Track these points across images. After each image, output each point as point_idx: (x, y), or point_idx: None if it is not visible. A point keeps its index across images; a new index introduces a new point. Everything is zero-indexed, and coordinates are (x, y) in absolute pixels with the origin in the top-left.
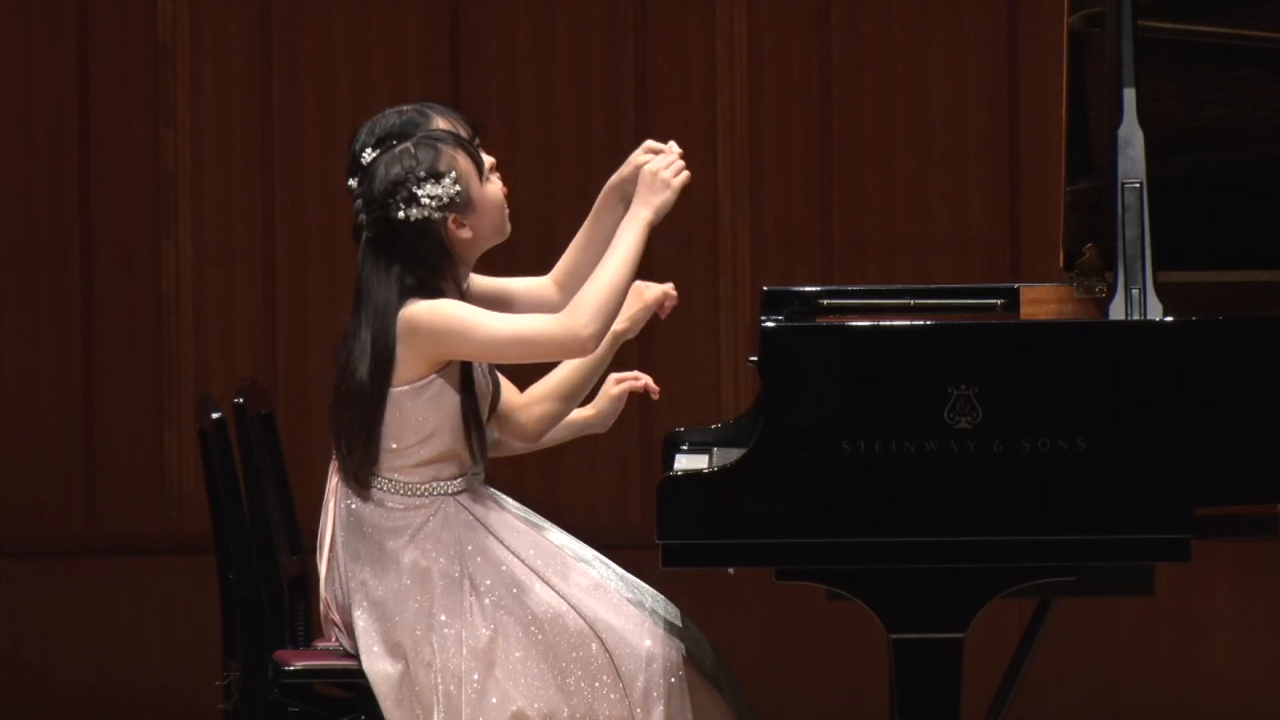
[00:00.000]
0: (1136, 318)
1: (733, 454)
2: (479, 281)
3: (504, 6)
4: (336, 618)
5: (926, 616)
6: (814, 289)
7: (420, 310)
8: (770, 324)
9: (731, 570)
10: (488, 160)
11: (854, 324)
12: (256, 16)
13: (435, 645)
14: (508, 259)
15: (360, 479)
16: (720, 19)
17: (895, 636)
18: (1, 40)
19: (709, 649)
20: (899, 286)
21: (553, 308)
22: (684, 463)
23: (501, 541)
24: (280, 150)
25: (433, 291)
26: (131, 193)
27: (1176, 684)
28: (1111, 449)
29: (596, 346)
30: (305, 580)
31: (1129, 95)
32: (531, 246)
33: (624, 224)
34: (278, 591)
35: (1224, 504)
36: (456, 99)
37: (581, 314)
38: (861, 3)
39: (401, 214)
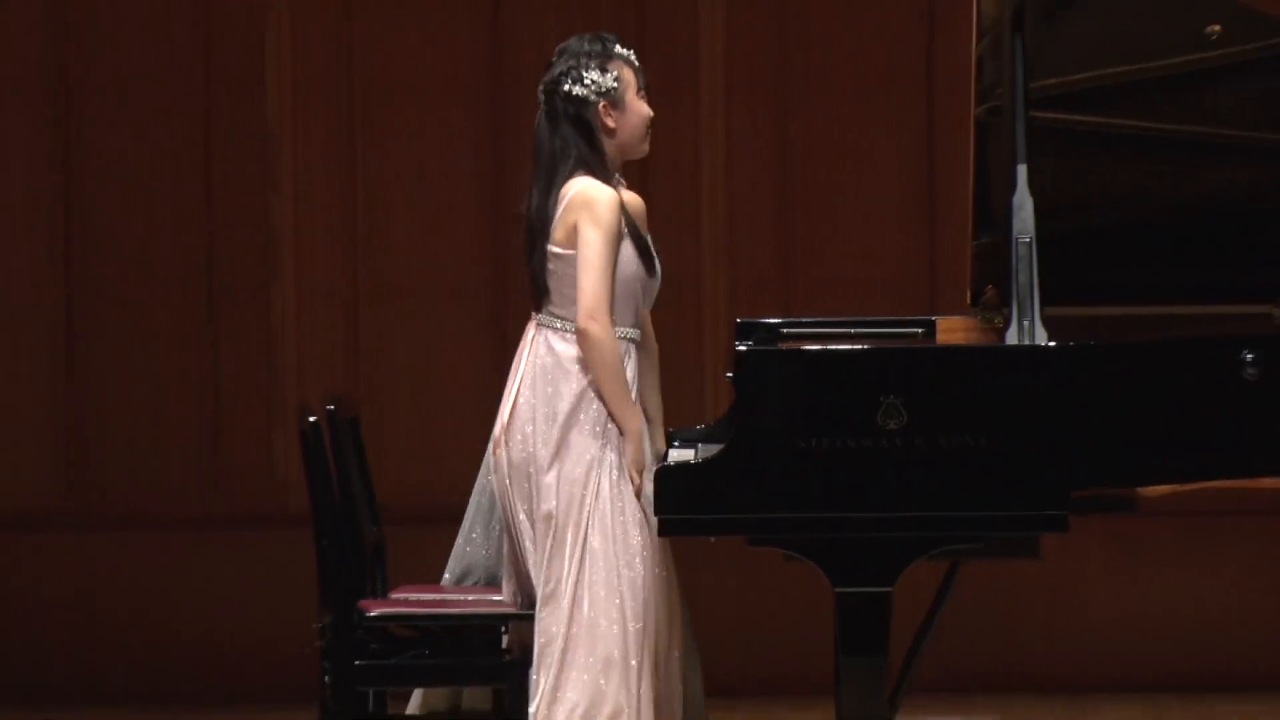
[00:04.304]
0: (1027, 343)
1: (713, 449)
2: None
3: None
4: (517, 456)
5: (863, 574)
6: (777, 320)
7: (592, 198)
8: (743, 348)
9: (713, 539)
10: (649, 109)
11: (808, 348)
12: (343, 110)
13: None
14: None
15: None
16: (704, 111)
17: (839, 590)
18: (141, 127)
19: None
20: (843, 319)
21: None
22: (675, 455)
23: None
24: (363, 213)
25: (596, 168)
26: (247, 246)
27: (1056, 627)
28: (1007, 444)
29: (585, 333)
30: (383, 546)
31: (1022, 170)
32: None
33: (636, 419)
34: (361, 556)
35: (1094, 487)
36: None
37: (609, 336)
38: (815, 104)
39: (567, 87)
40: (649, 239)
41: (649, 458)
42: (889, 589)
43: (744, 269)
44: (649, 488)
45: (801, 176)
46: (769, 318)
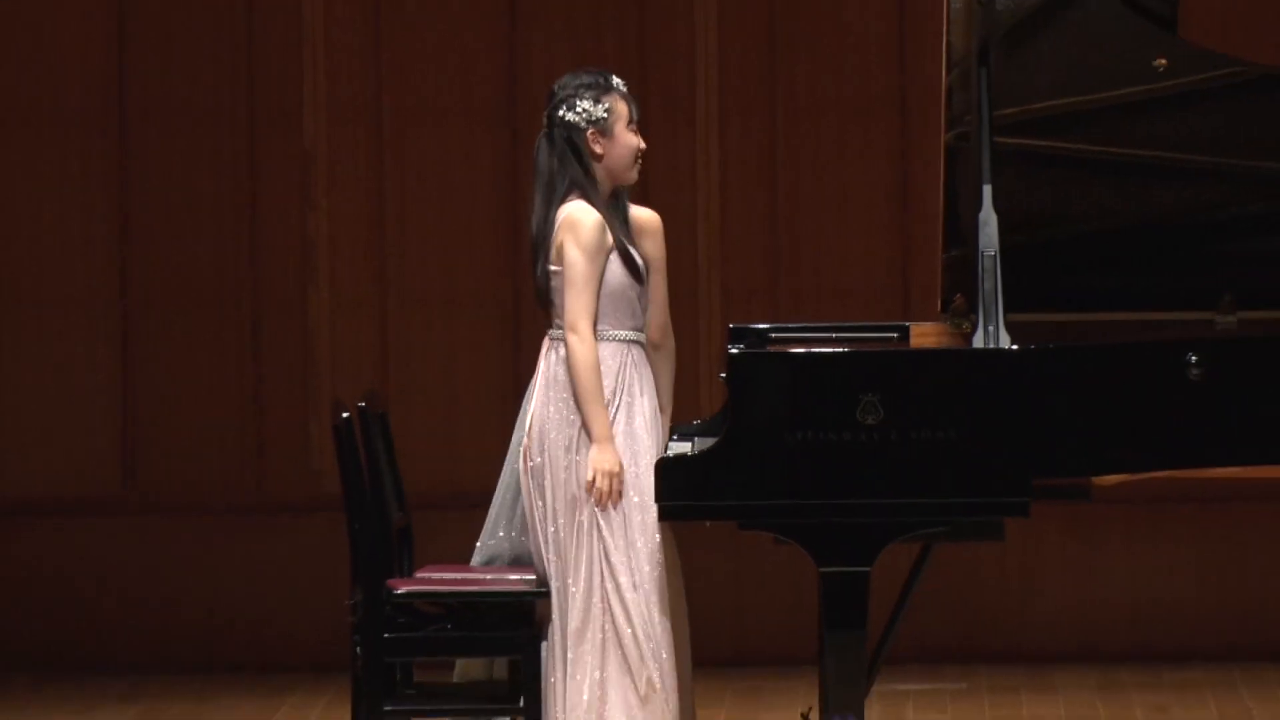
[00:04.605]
0: (992, 346)
1: (708, 442)
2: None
3: None
4: (536, 460)
5: (844, 555)
6: (765, 326)
7: (576, 221)
8: (735, 351)
9: (708, 524)
10: (639, 141)
11: (794, 351)
12: (373, 133)
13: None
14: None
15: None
16: (699, 134)
17: (822, 569)
18: (190, 148)
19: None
20: (825, 324)
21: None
22: (674, 448)
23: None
24: (391, 227)
25: (588, 190)
26: (285, 257)
27: (1018, 604)
28: (974, 438)
29: (565, 343)
30: (410, 530)
31: (987, 189)
32: None
33: (602, 423)
34: (389, 539)
35: (1053, 476)
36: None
37: (585, 347)
38: (801, 129)
39: (562, 113)
40: (633, 250)
41: (618, 460)
42: (868, 569)
43: (736, 278)
44: (624, 486)
45: (789, 194)
46: (759, 323)
